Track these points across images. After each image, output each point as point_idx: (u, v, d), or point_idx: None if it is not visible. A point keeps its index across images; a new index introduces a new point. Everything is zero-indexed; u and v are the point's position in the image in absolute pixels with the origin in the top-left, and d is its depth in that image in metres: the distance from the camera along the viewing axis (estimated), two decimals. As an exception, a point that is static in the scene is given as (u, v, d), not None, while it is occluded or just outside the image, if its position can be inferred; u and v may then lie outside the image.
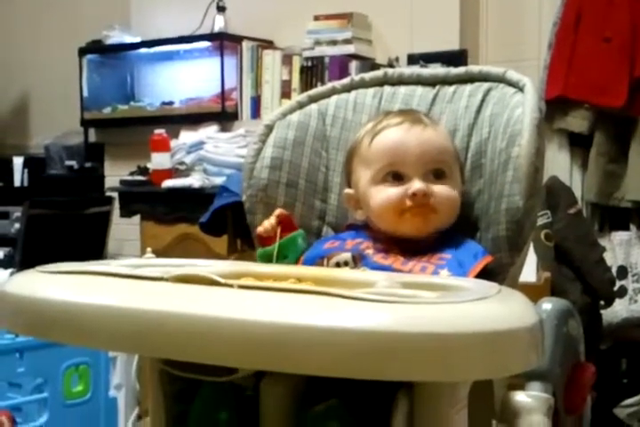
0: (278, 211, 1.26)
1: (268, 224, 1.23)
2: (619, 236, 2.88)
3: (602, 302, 2.53)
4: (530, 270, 2.18)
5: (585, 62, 2.90)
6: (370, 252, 1.19)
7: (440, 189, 1.19)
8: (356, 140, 1.28)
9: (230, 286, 0.85)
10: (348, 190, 1.28)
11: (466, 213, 1.24)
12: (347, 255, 1.19)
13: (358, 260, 1.18)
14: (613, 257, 2.81)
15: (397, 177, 1.20)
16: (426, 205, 1.18)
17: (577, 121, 2.93)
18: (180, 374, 0.90)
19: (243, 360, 0.77)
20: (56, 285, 0.88)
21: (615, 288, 2.65)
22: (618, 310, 2.71)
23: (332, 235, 1.31)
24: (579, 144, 2.99)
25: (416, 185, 1.17)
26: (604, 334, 2.62)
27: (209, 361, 0.78)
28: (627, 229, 2.91)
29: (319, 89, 1.41)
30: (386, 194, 1.20)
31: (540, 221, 2.39)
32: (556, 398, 1.14)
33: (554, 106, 2.95)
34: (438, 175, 1.20)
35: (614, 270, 2.75)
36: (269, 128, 1.35)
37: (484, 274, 1.12)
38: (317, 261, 1.21)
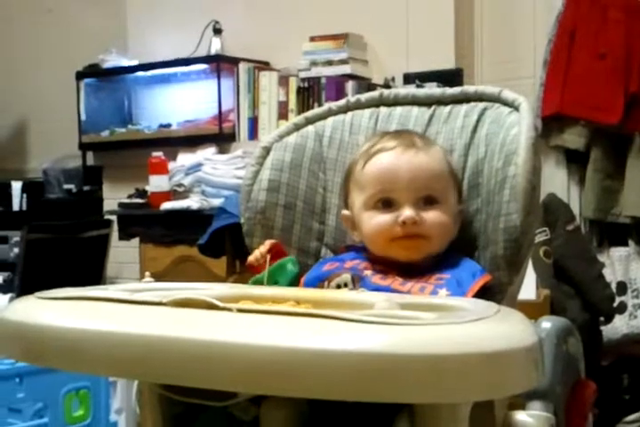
0: (268, 241, 1.26)
1: (258, 253, 1.24)
2: (617, 251, 2.89)
3: (602, 319, 2.53)
4: (529, 288, 2.18)
5: (580, 79, 2.91)
6: (368, 273, 1.19)
7: (431, 216, 1.19)
8: (353, 161, 1.28)
9: (229, 309, 0.85)
10: (345, 212, 1.28)
11: (464, 232, 1.24)
12: (346, 277, 1.20)
13: (357, 281, 1.18)
14: (612, 273, 2.81)
15: (388, 203, 1.20)
16: (416, 235, 1.18)
17: (573, 138, 2.94)
18: (180, 399, 0.90)
19: (242, 384, 0.77)
20: (55, 311, 0.88)
21: (615, 304, 2.65)
22: (618, 326, 2.71)
23: (332, 256, 1.31)
24: (575, 161, 3.00)
25: (406, 213, 1.18)
26: (605, 351, 2.61)
27: (208, 386, 0.78)
28: (625, 244, 2.91)
29: (316, 110, 1.42)
30: (376, 221, 1.20)
31: (539, 238, 2.39)
32: (558, 417, 1.13)
33: (550, 123, 2.97)
34: (429, 201, 1.20)
35: (613, 286, 2.75)
36: (266, 150, 1.36)
37: (483, 293, 1.12)
38: (318, 283, 1.21)
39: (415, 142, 1.23)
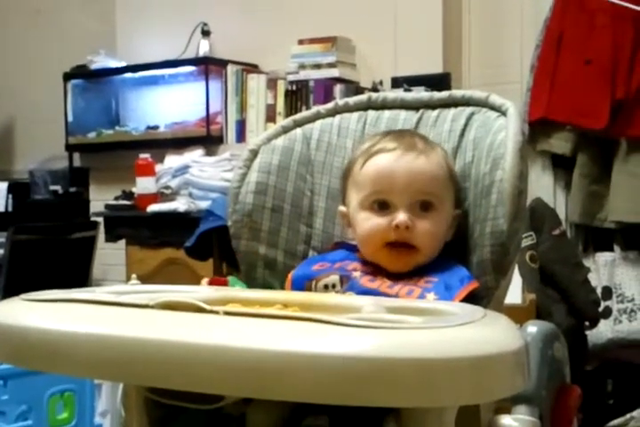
0: (204, 281, 1.25)
1: None
2: (603, 256, 2.90)
3: (587, 323, 2.53)
4: (515, 292, 2.18)
5: (567, 84, 2.93)
6: (357, 274, 1.20)
7: (423, 226, 1.19)
8: (352, 158, 1.28)
9: (216, 312, 0.84)
10: (341, 208, 1.29)
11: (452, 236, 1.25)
12: (334, 278, 1.20)
13: (345, 282, 1.18)
14: (598, 278, 2.82)
15: (384, 205, 1.20)
16: (406, 244, 1.18)
17: (560, 143, 2.95)
18: (166, 402, 0.90)
19: (228, 387, 0.77)
20: (40, 313, 0.87)
21: (600, 309, 2.66)
22: (603, 331, 2.72)
23: (321, 254, 1.30)
24: (562, 166, 3.01)
25: (400, 217, 1.18)
26: (590, 356, 2.62)
27: (194, 389, 0.78)
28: (611, 249, 2.92)
29: (304, 113, 1.42)
30: (370, 224, 1.20)
31: (525, 243, 2.39)
32: (543, 422, 1.14)
33: (537, 128, 2.98)
34: (425, 207, 1.20)
35: (599, 291, 2.76)
36: (254, 153, 1.36)
37: (470, 298, 1.12)
38: (306, 282, 1.21)
39: (416, 145, 1.22)
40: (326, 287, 1.19)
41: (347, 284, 1.18)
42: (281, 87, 3.67)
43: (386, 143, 1.23)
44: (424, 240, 1.19)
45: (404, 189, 1.19)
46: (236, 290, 1.18)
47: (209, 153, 3.78)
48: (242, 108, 3.80)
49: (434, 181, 1.21)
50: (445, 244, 1.22)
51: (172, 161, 3.71)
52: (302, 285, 1.21)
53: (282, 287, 1.27)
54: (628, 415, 2.52)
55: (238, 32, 3.98)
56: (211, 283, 1.22)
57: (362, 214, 1.22)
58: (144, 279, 2.27)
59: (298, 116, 1.41)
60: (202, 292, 1.07)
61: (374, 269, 1.20)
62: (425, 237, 1.19)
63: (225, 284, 1.24)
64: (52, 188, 4.50)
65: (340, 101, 1.41)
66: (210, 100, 3.86)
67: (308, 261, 1.28)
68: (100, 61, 4.29)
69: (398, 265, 1.19)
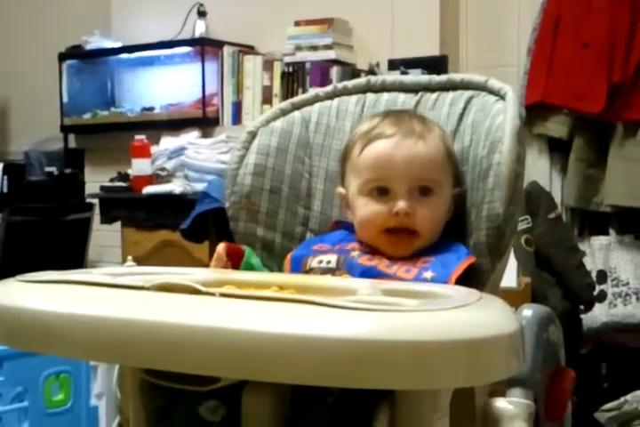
0: (221, 246, 1.23)
1: (217, 263, 1.21)
2: (598, 240, 2.90)
3: (582, 307, 2.54)
4: (510, 276, 2.19)
5: (564, 68, 2.92)
6: (355, 254, 1.20)
7: (423, 211, 1.19)
8: (351, 140, 1.27)
9: (212, 294, 0.85)
10: (340, 189, 1.29)
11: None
12: (332, 256, 1.20)
13: (342, 261, 1.19)
14: (593, 262, 2.83)
15: (383, 191, 1.21)
16: (406, 229, 1.18)
17: (556, 126, 2.95)
18: (162, 384, 0.90)
19: (224, 369, 0.77)
20: (35, 294, 0.87)
21: (595, 293, 2.67)
22: (597, 315, 2.73)
23: (320, 235, 1.31)
24: (558, 149, 3.01)
25: (400, 204, 1.18)
26: (584, 339, 2.63)
27: (190, 371, 0.78)
28: (606, 233, 2.93)
29: (302, 96, 1.42)
30: (370, 210, 1.21)
31: (521, 227, 2.40)
32: (537, 404, 1.14)
33: (533, 111, 2.97)
34: (425, 192, 1.20)
35: (594, 275, 2.77)
36: (253, 135, 1.36)
37: (468, 276, 1.13)
38: (302, 260, 1.22)
39: (414, 129, 1.22)
40: (320, 262, 1.19)
41: (344, 263, 1.19)
42: (277, 69, 3.66)
43: (384, 127, 1.23)
44: (424, 225, 1.19)
45: (403, 176, 1.19)
46: (232, 272, 1.18)
47: (205, 135, 3.77)
48: (238, 89, 3.78)
49: (432, 165, 1.21)
50: (446, 224, 1.23)
51: (168, 143, 3.70)
52: (300, 263, 1.22)
53: (280, 269, 1.27)
54: (622, 399, 2.53)
55: (234, 13, 3.96)
56: (227, 249, 1.21)
57: (361, 200, 1.22)
58: (139, 261, 2.27)
59: (296, 98, 1.41)
60: (198, 274, 1.07)
61: (373, 249, 1.21)
62: (425, 222, 1.19)
63: (241, 253, 1.24)
64: (48, 169, 4.49)
65: (339, 85, 1.41)
66: (206, 82, 3.85)
67: (307, 242, 1.28)
68: (96, 42, 4.27)
69: (399, 250, 1.19)
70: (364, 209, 1.21)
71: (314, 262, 1.20)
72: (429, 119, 1.27)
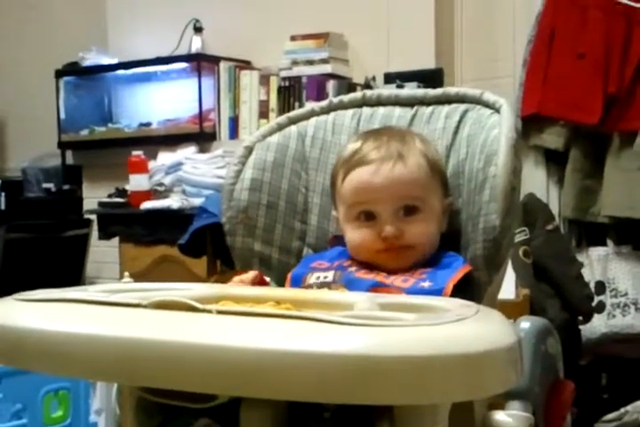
0: (252, 273, 1.22)
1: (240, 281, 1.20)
2: (596, 251, 2.90)
3: (580, 318, 2.54)
4: (508, 288, 2.19)
5: (559, 79, 2.92)
6: (353, 269, 1.21)
7: (413, 228, 1.20)
8: (335, 167, 1.28)
9: (209, 311, 0.84)
10: (334, 213, 1.30)
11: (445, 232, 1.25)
12: (330, 272, 1.21)
13: (339, 276, 1.20)
14: (591, 273, 2.83)
15: (369, 215, 1.21)
16: (399, 247, 1.19)
17: (552, 138, 2.95)
18: (159, 401, 0.90)
19: (221, 387, 0.76)
20: (33, 313, 0.87)
21: (593, 304, 2.67)
22: (596, 326, 2.72)
23: (319, 253, 1.31)
24: (555, 160, 3.01)
25: (387, 229, 1.19)
26: (584, 350, 2.63)
27: (187, 388, 0.78)
28: (604, 244, 2.93)
29: (298, 111, 1.42)
30: (359, 235, 1.22)
31: (518, 238, 2.40)
32: (537, 417, 1.14)
33: (529, 123, 2.97)
34: (410, 211, 1.21)
35: (592, 286, 2.76)
36: (249, 150, 1.36)
37: (464, 289, 1.13)
38: (303, 277, 1.22)
39: (392, 152, 1.21)
40: (318, 278, 1.20)
41: (342, 277, 1.19)
42: (274, 83, 3.67)
43: (362, 153, 1.23)
44: (417, 240, 1.20)
45: (386, 199, 1.20)
46: (228, 287, 1.18)
47: (202, 150, 3.78)
48: (235, 104, 3.79)
49: (414, 184, 1.21)
50: (442, 236, 1.23)
51: (165, 158, 3.71)
52: (300, 280, 1.22)
53: (278, 284, 1.27)
54: (622, 409, 2.53)
55: (230, 28, 3.97)
56: (256, 278, 1.20)
57: (349, 225, 1.24)
58: (138, 277, 2.27)
59: (292, 113, 1.42)
60: (195, 289, 1.06)
61: (370, 264, 1.22)
62: (417, 237, 1.20)
63: (263, 280, 1.23)
64: (45, 185, 4.49)
65: (335, 99, 1.41)
66: (202, 97, 3.86)
67: (305, 260, 1.29)
68: (92, 58, 4.28)
69: (398, 263, 1.20)
70: (354, 234, 1.23)
71: (312, 279, 1.21)
72: (410, 133, 1.27)
